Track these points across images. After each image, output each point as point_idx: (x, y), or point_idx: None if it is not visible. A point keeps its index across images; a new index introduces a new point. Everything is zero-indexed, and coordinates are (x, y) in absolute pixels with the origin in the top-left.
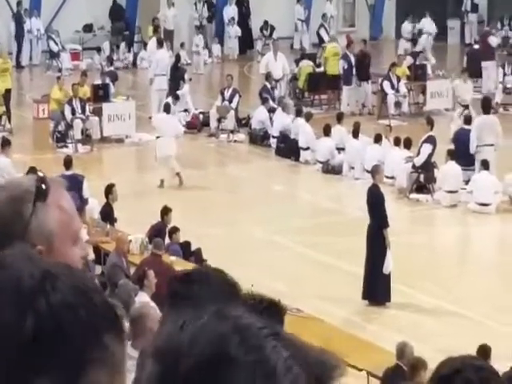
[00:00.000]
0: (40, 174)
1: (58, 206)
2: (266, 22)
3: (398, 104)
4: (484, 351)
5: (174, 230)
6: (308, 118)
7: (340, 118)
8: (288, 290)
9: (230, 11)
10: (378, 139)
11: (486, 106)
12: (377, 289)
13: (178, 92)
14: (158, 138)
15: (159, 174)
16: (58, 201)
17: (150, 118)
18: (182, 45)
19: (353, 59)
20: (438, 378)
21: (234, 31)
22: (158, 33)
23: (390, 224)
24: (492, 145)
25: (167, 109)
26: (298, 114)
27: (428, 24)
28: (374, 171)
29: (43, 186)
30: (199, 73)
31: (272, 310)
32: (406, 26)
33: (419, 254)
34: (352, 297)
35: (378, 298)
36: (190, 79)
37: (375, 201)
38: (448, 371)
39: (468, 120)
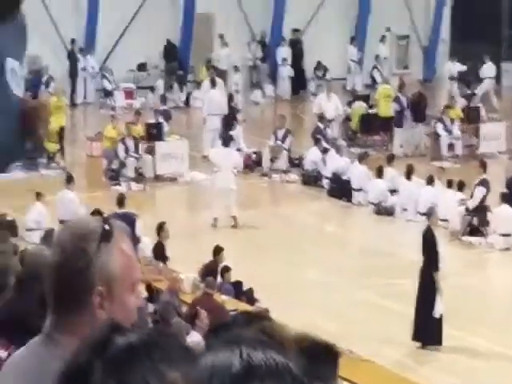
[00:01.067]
0: (105, 216)
1: (121, 250)
2: (319, 63)
3: (451, 146)
4: None
5: (226, 269)
6: (361, 158)
7: (390, 159)
8: (340, 331)
9: (283, 52)
10: (430, 181)
11: None
12: (427, 332)
13: (232, 132)
14: (216, 172)
15: (212, 212)
16: (121, 245)
17: (204, 157)
18: (236, 86)
19: (405, 101)
20: None
21: (286, 71)
22: (212, 72)
23: (441, 267)
24: None
25: (226, 142)
26: (360, 160)
27: (489, 68)
28: (429, 213)
29: (108, 228)
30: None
31: (327, 353)
32: (453, 67)
33: (472, 297)
34: (404, 339)
35: (429, 341)
36: (244, 120)
37: (428, 243)
38: None
39: None
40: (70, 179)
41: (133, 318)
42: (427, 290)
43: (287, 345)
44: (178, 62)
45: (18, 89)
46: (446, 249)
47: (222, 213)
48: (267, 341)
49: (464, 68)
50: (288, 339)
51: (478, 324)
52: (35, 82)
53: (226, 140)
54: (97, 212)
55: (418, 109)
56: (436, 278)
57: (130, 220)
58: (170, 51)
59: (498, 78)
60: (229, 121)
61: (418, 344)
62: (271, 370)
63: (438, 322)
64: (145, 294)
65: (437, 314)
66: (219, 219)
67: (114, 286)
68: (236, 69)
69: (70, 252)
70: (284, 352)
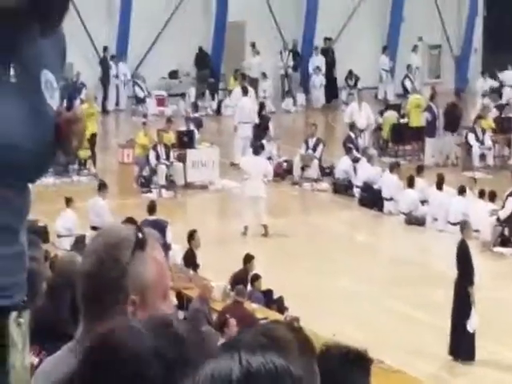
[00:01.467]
0: (138, 224)
1: (154, 258)
2: (350, 72)
3: (482, 156)
4: None
5: (256, 277)
6: (393, 168)
7: (420, 170)
8: (371, 341)
9: (316, 60)
10: (462, 191)
11: None
12: (461, 345)
13: (263, 141)
14: (246, 180)
15: (243, 220)
16: (154, 253)
17: (232, 164)
18: (267, 94)
19: (436, 111)
20: None
21: (318, 80)
22: (243, 80)
23: (476, 281)
24: None
25: (256, 150)
26: (391, 169)
27: (510, 76)
28: (463, 227)
29: (141, 236)
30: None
31: (360, 360)
32: (480, 83)
33: (504, 309)
34: (436, 351)
35: (462, 355)
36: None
37: (462, 257)
38: None
39: None
40: (101, 186)
41: None
42: (462, 304)
43: (289, 347)
44: (209, 69)
45: (51, 101)
46: (477, 260)
47: (253, 221)
48: (267, 343)
49: (496, 84)
50: (290, 341)
51: (509, 335)
52: (71, 93)
53: (257, 148)
54: (130, 220)
55: (452, 119)
56: (470, 292)
57: (160, 227)
58: (201, 59)
59: None
60: (260, 130)
61: (450, 357)
62: (271, 374)
63: (472, 336)
64: (175, 301)
65: (471, 328)
66: (249, 227)
67: (148, 294)
68: (264, 76)
69: (103, 261)
70: (285, 354)
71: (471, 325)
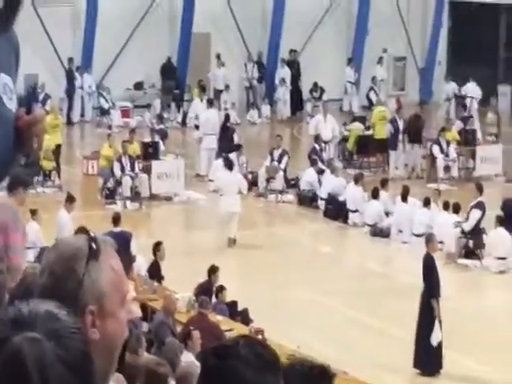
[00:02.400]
0: (91, 233)
1: (110, 266)
2: (315, 84)
3: (447, 168)
4: None
5: (221, 288)
6: (357, 180)
7: (384, 183)
8: (335, 353)
9: (281, 72)
10: (426, 203)
11: None
12: (427, 358)
13: (230, 155)
14: (221, 195)
15: (229, 232)
16: (110, 261)
17: (198, 175)
18: (232, 104)
19: (401, 124)
20: None
21: (284, 92)
22: (202, 93)
23: (442, 294)
24: None
25: (230, 166)
26: (356, 181)
27: (472, 88)
28: (428, 240)
29: (95, 246)
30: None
31: (323, 376)
32: (446, 87)
33: (467, 320)
34: (401, 363)
35: (428, 368)
36: (240, 146)
37: (427, 270)
38: None
39: None
40: (68, 199)
41: (125, 332)
42: (426, 317)
43: (276, 364)
44: (175, 80)
45: (10, 103)
46: (441, 271)
47: (221, 233)
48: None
49: (462, 90)
50: (277, 359)
51: (473, 348)
52: (30, 98)
53: (230, 164)
54: (82, 230)
55: (415, 130)
56: (434, 306)
57: (125, 239)
58: (168, 69)
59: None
60: (227, 143)
61: (415, 370)
62: None
63: (437, 349)
64: (139, 313)
65: (434, 341)
66: (220, 239)
67: (105, 302)
68: (227, 87)
69: (58, 273)
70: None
71: (434, 338)
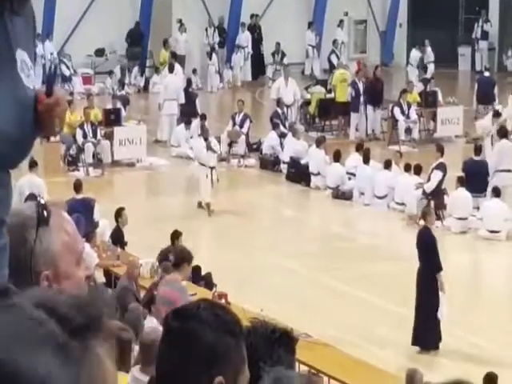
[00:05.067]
0: (40, 199)
1: (61, 229)
2: (277, 48)
3: (408, 130)
4: (490, 379)
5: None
6: (319, 143)
7: (359, 147)
8: (297, 315)
9: (242, 37)
10: (388, 165)
11: (503, 133)
12: (430, 335)
13: (193, 122)
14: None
15: (204, 198)
16: (60, 224)
17: (156, 141)
18: (194, 71)
19: (361, 86)
20: None
21: (245, 57)
22: (172, 59)
23: (441, 266)
24: (509, 170)
25: (206, 135)
26: (318, 144)
27: (430, 52)
28: (425, 213)
29: (44, 212)
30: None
31: (285, 339)
32: (415, 54)
33: None
34: (362, 323)
35: (431, 344)
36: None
37: (428, 244)
38: None
39: (478, 150)
40: (33, 164)
41: (83, 290)
42: (428, 294)
43: (236, 327)
44: (141, 46)
45: (28, 80)
46: (403, 232)
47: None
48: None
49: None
50: (237, 321)
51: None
52: (51, 80)
53: (205, 133)
54: (31, 196)
55: (375, 93)
56: (439, 279)
57: (88, 205)
58: (134, 35)
59: (455, 61)
60: (189, 108)
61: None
62: None
63: (439, 323)
64: (103, 279)
65: (442, 316)
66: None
67: (60, 265)
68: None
69: (10, 244)
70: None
71: (442, 312)
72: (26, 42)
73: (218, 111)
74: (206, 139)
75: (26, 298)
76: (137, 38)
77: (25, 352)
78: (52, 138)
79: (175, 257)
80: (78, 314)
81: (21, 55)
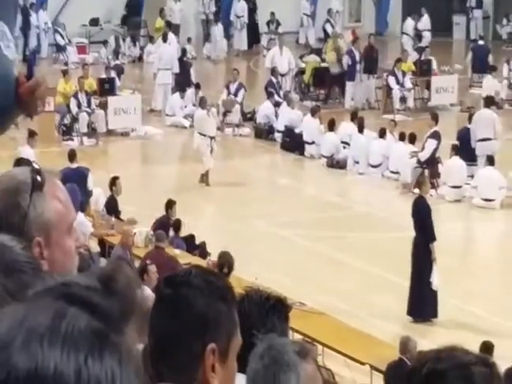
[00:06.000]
0: (35, 165)
1: (55, 196)
2: (272, 15)
3: (403, 99)
4: (487, 348)
5: (178, 223)
6: (314, 112)
7: (354, 116)
8: (292, 284)
9: (237, 6)
10: (382, 134)
11: (488, 102)
12: (426, 305)
13: (188, 90)
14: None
15: (204, 166)
16: (54, 191)
17: (151, 110)
18: (188, 39)
19: (357, 55)
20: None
21: (240, 26)
22: (167, 28)
23: (435, 236)
24: (489, 139)
25: (203, 105)
26: (313, 113)
27: (426, 21)
28: (420, 182)
29: (38, 177)
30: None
31: (278, 307)
32: (409, 23)
33: None
34: (357, 292)
35: (427, 315)
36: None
37: (422, 214)
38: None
39: (471, 118)
40: (31, 134)
41: (75, 261)
42: (423, 263)
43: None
44: (140, 15)
45: (8, 50)
46: (397, 201)
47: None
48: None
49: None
50: (229, 287)
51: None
52: (31, 63)
53: (204, 103)
54: (24, 161)
55: (369, 61)
56: (431, 249)
57: (82, 174)
58: (134, 4)
59: (449, 30)
60: (184, 78)
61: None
62: None
63: (435, 293)
64: (97, 248)
65: (435, 286)
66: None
67: (52, 233)
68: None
69: (2, 208)
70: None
71: (435, 282)
72: (6, 15)
73: (213, 80)
74: (204, 108)
75: (53, 291)
76: (136, 7)
77: (57, 354)
78: (46, 108)
79: (229, 267)
80: (115, 305)
81: (1, 26)
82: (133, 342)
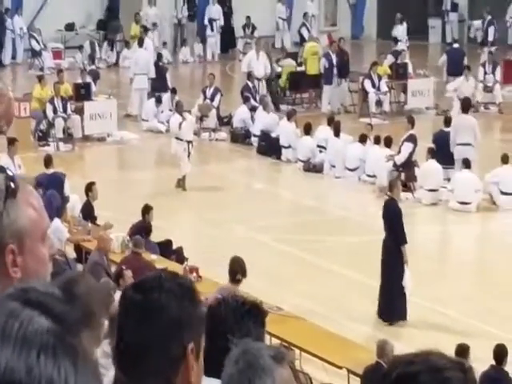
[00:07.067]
0: (8, 172)
1: (28, 203)
2: (248, 19)
3: (379, 102)
4: (462, 350)
5: (149, 226)
6: (290, 116)
7: (331, 120)
8: (269, 288)
9: (213, 10)
10: (362, 140)
11: (466, 106)
12: (395, 307)
13: (163, 95)
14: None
15: (181, 171)
16: (28, 198)
17: (127, 115)
18: (164, 44)
19: (334, 58)
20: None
21: (215, 30)
22: (143, 32)
23: (406, 239)
24: (469, 144)
25: (180, 110)
26: (289, 117)
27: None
28: (392, 185)
29: (12, 184)
30: None
31: (254, 312)
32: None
33: None
34: (333, 296)
35: (396, 317)
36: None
37: (393, 216)
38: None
39: (448, 121)
40: (11, 142)
41: (47, 269)
42: (394, 265)
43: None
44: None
45: None
46: (373, 204)
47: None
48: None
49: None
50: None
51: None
52: None
53: (180, 108)
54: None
55: (342, 64)
56: (403, 252)
57: (58, 180)
58: (114, 9)
59: (425, 33)
60: (160, 82)
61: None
62: None
63: (405, 295)
64: (73, 254)
65: (406, 288)
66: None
67: (25, 240)
68: (154, 26)
69: None
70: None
71: (406, 285)
72: None
73: (189, 85)
74: (180, 113)
75: (11, 296)
76: (116, 11)
77: (9, 351)
78: (22, 114)
79: (242, 273)
80: (71, 310)
81: None
82: (90, 346)
